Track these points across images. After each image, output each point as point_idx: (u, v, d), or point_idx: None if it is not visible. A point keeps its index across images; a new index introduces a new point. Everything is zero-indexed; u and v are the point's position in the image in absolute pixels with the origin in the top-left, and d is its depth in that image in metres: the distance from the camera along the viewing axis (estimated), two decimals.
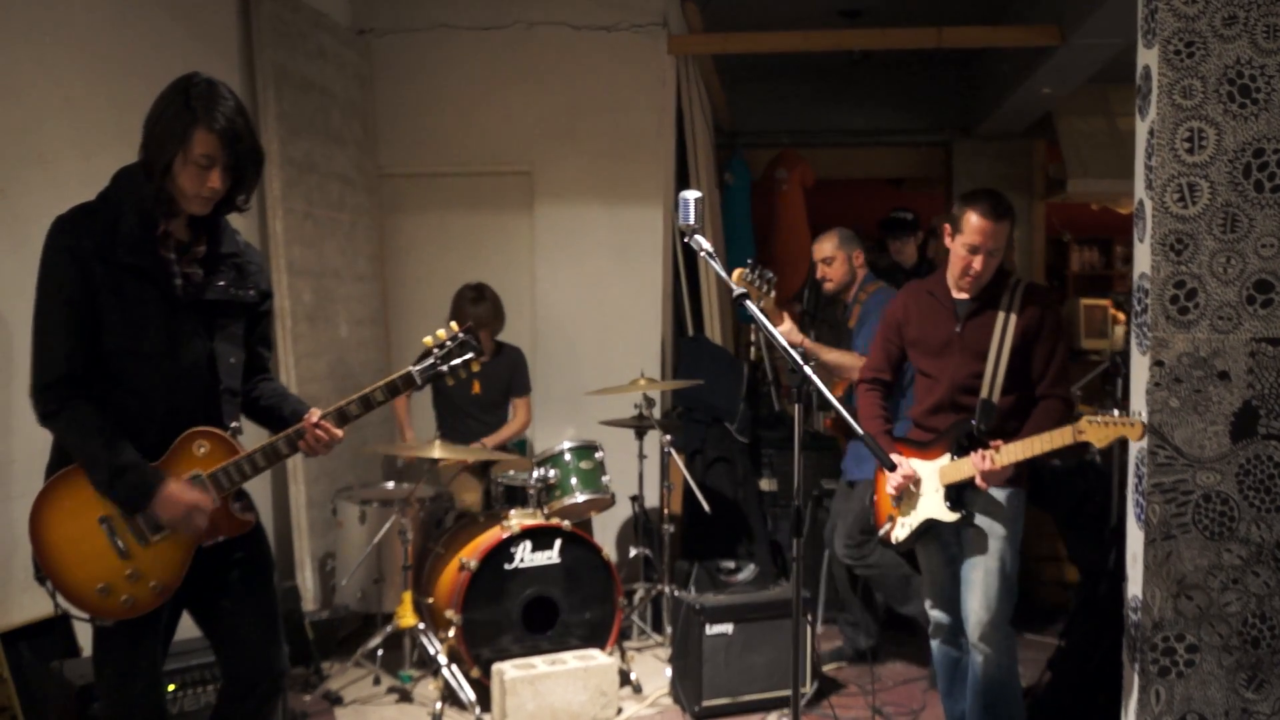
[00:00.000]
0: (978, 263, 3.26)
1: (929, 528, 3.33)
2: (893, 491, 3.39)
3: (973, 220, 3.25)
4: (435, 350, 2.68)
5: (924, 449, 3.36)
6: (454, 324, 2.72)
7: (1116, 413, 2.93)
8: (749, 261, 3.95)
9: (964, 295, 3.36)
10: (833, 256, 4.67)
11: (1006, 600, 3.25)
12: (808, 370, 2.60)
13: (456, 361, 2.68)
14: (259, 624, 2.63)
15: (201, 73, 2.46)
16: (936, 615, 3.50)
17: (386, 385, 2.62)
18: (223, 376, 2.55)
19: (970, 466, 3.21)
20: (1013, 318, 3.28)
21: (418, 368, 2.66)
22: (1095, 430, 2.94)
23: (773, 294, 4.03)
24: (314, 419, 2.57)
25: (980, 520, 3.26)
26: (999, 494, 3.26)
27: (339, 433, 2.60)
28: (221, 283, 2.54)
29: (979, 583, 3.25)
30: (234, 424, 2.58)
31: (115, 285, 2.40)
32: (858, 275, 4.69)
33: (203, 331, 2.51)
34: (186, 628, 2.69)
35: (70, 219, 2.42)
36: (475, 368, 2.72)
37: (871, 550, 4.38)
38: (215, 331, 2.54)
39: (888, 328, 3.55)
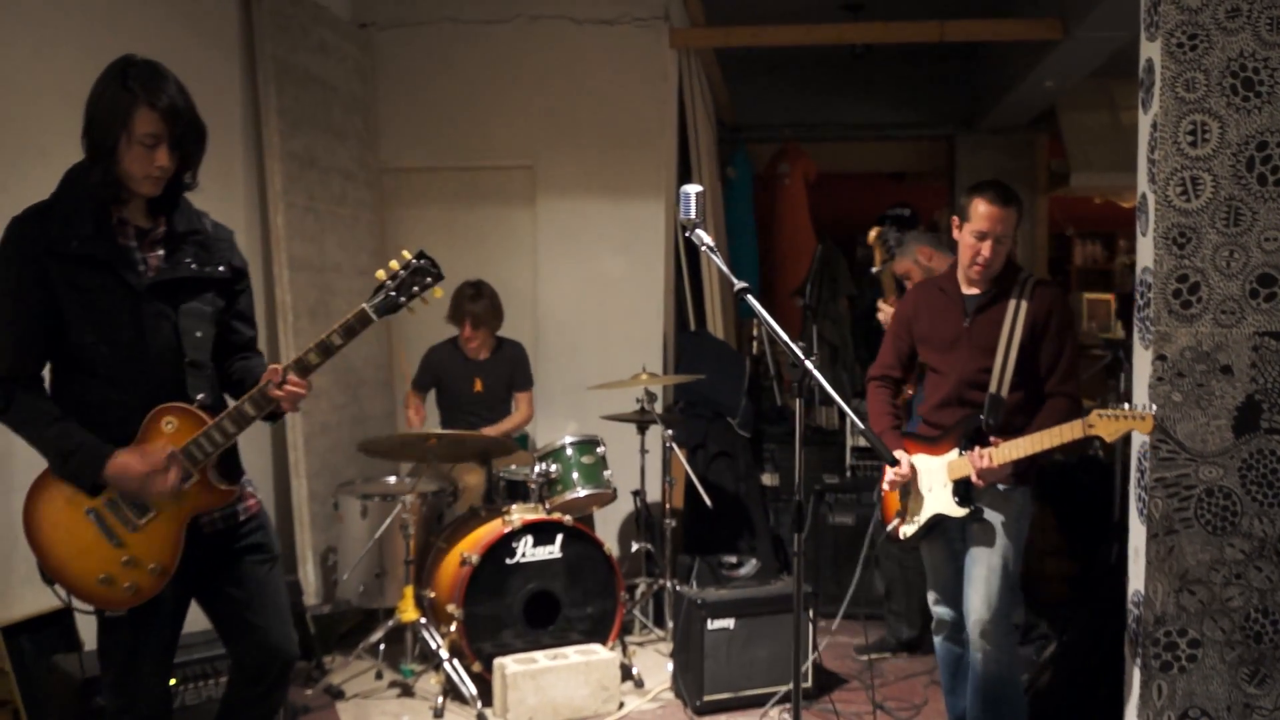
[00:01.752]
0: (986, 248, 3.25)
1: (937, 523, 3.32)
2: (887, 487, 3.39)
3: (980, 207, 3.25)
4: (389, 282, 2.57)
5: (932, 444, 3.35)
6: (405, 252, 2.60)
7: (1127, 406, 2.91)
8: (887, 223, 4.16)
9: (974, 290, 3.35)
10: (908, 272, 4.64)
11: (1007, 598, 3.24)
12: (809, 365, 2.60)
13: (414, 289, 2.57)
14: (266, 610, 2.64)
15: (137, 55, 2.45)
16: (940, 611, 3.49)
17: (342, 327, 2.51)
18: (187, 350, 2.53)
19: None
20: (1021, 313, 3.26)
21: (371, 302, 2.55)
22: (1105, 424, 2.92)
23: (893, 261, 4.23)
24: (277, 375, 2.48)
25: (986, 516, 3.25)
26: (1007, 489, 3.25)
27: (304, 383, 2.50)
28: (186, 260, 2.54)
29: (980, 579, 3.24)
30: (200, 395, 2.53)
31: (72, 279, 2.39)
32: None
33: (169, 312, 2.51)
34: (190, 622, 2.69)
35: (23, 219, 2.42)
36: (438, 293, 2.61)
37: None
38: (180, 310, 2.52)
39: (899, 324, 3.55)
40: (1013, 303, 3.28)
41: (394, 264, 2.58)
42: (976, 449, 3.17)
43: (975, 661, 3.27)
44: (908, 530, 3.40)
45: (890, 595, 4.84)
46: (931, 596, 3.51)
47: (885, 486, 3.40)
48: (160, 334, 2.49)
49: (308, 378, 2.52)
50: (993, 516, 3.25)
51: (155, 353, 2.48)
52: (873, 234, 4.69)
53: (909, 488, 3.38)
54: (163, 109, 2.37)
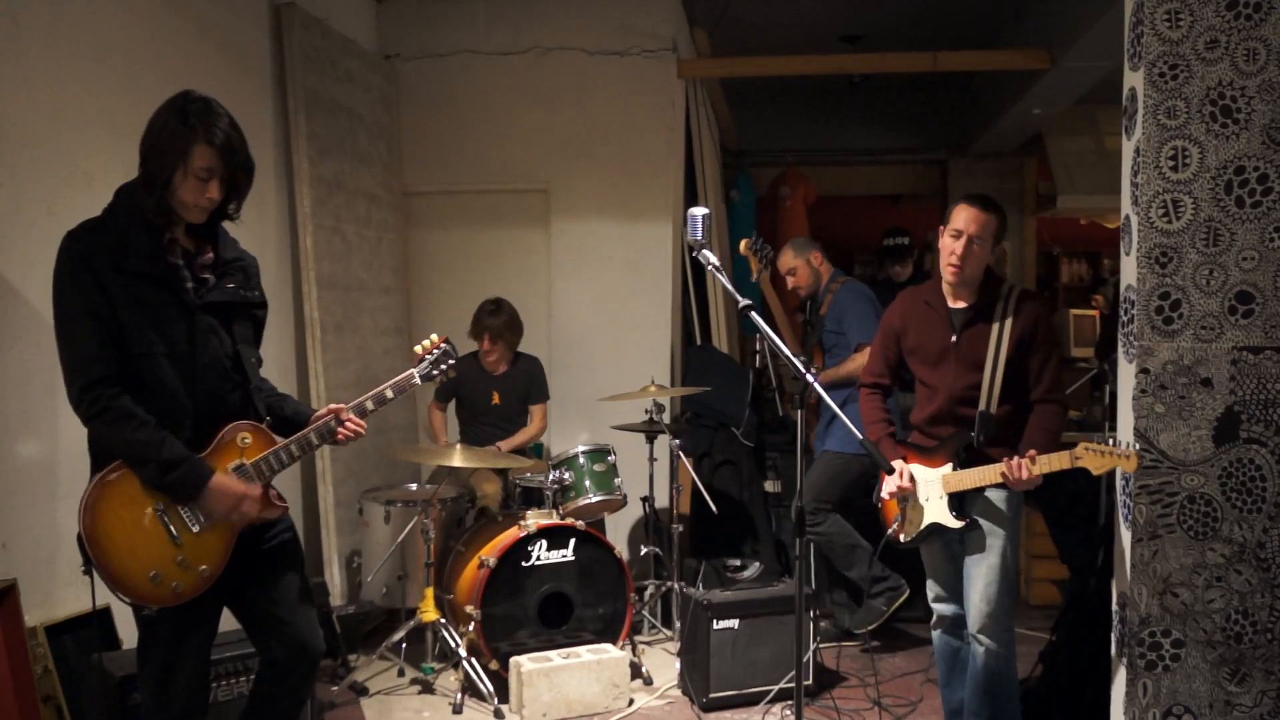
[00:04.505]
0: (960, 246, 3.21)
1: (933, 530, 3.32)
2: (887, 496, 3.38)
3: (961, 211, 3.25)
4: (427, 357, 2.95)
5: (928, 455, 3.34)
6: (434, 337, 2.99)
7: (1112, 442, 2.92)
8: (754, 234, 4.30)
9: (960, 304, 3.33)
10: (794, 266, 4.86)
11: (1006, 595, 3.23)
12: (810, 378, 2.61)
13: (443, 367, 2.97)
14: (295, 608, 2.65)
15: (196, 90, 2.48)
16: (940, 608, 3.48)
17: (395, 385, 2.84)
18: (251, 376, 2.61)
19: (972, 478, 3.19)
20: (1007, 328, 3.24)
21: (419, 370, 2.92)
22: (1092, 457, 2.92)
23: (769, 269, 4.43)
24: (344, 414, 2.71)
25: (982, 521, 3.25)
26: (998, 496, 3.25)
27: (362, 425, 2.76)
28: (231, 285, 2.58)
29: (980, 579, 3.24)
30: (268, 419, 2.66)
31: (132, 293, 2.41)
32: (822, 275, 4.86)
33: (219, 330, 2.55)
34: (222, 621, 2.70)
35: (80, 234, 2.44)
36: (451, 374, 3.02)
37: (824, 519, 4.63)
38: (234, 332, 2.58)
39: (886, 335, 3.52)
40: (998, 318, 3.26)
41: (427, 344, 2.97)
42: (1016, 459, 3.11)
43: (976, 656, 3.27)
44: (907, 534, 3.40)
45: (833, 588, 4.94)
46: (931, 593, 3.49)
47: (885, 496, 3.39)
48: (209, 347, 2.52)
49: (364, 420, 2.77)
50: (988, 522, 3.24)
51: (205, 365, 2.51)
52: (743, 245, 4.75)
53: (908, 495, 3.38)
54: (220, 145, 2.41)
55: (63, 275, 2.41)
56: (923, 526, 3.33)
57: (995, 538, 3.24)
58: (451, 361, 2.98)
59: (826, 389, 4.68)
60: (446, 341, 2.99)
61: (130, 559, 2.44)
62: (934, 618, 3.53)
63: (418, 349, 2.96)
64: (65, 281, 2.41)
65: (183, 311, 2.48)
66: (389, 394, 2.81)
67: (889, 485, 3.34)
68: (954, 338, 3.30)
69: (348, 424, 2.70)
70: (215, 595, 2.58)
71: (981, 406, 3.24)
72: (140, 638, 2.55)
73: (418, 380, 2.90)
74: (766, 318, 4.94)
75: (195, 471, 2.45)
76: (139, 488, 2.45)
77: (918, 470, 3.33)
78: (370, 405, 2.78)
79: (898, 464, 3.33)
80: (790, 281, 4.91)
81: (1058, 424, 3.22)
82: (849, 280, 4.87)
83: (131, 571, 2.44)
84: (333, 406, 2.71)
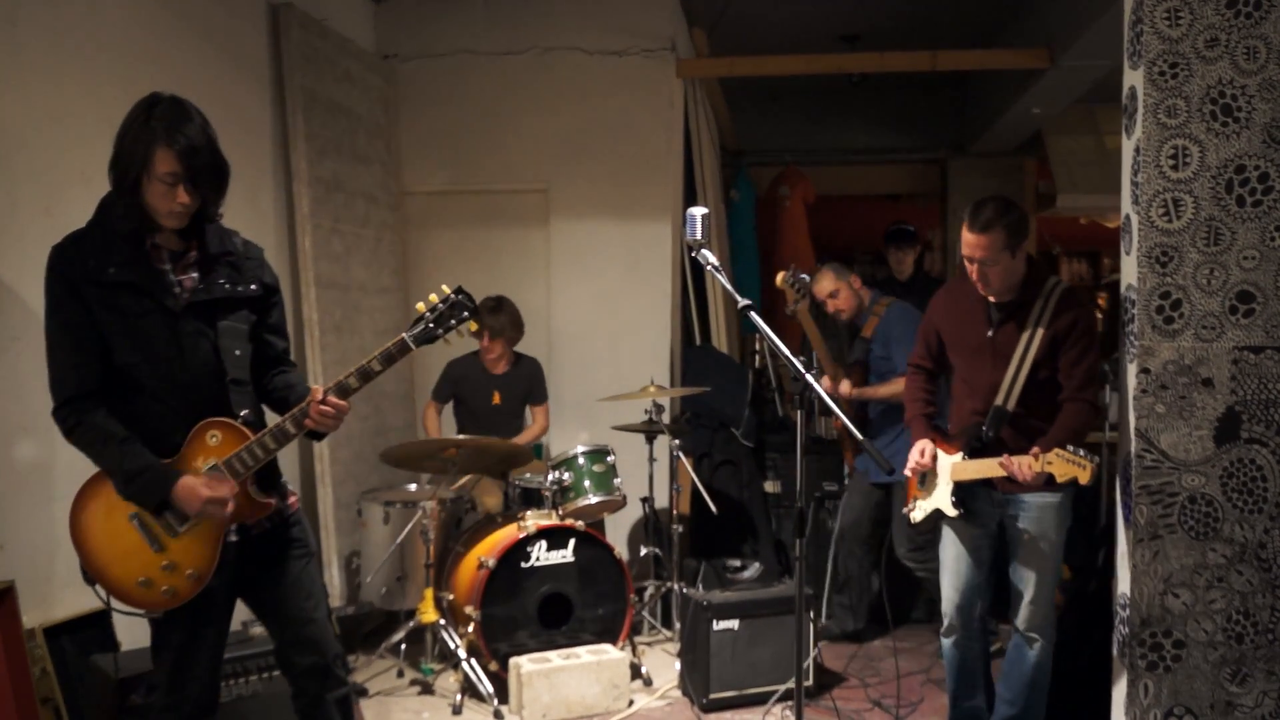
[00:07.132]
0: (974, 272, 3.22)
1: (940, 515, 3.35)
2: (908, 474, 3.41)
3: (964, 233, 3.22)
4: (428, 314, 2.57)
5: (949, 442, 3.38)
6: (445, 287, 2.60)
7: (1082, 453, 2.98)
8: (791, 267, 4.24)
9: (1000, 297, 3.29)
10: (836, 289, 4.76)
11: (1052, 593, 3.31)
12: (809, 378, 2.60)
13: (452, 322, 2.57)
14: (305, 604, 2.63)
15: (164, 92, 2.43)
16: (954, 615, 3.45)
17: (382, 354, 2.52)
18: (228, 368, 2.52)
19: (974, 469, 3.21)
20: (1042, 325, 3.19)
21: (411, 333, 2.55)
22: (1059, 464, 2.99)
23: (806, 299, 4.26)
24: (318, 395, 2.49)
25: (1030, 526, 3.26)
26: (1052, 499, 3.22)
27: (344, 404, 2.51)
28: (220, 281, 2.53)
29: (1032, 580, 3.28)
30: (244, 412, 2.53)
31: (112, 304, 2.39)
32: (864, 297, 4.78)
33: (207, 330, 2.50)
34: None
35: (62, 247, 2.43)
36: (473, 327, 2.62)
37: (932, 556, 4.39)
38: (218, 329, 2.52)
39: (929, 323, 3.54)
40: (1035, 314, 3.21)
41: (433, 297, 2.58)
42: (1018, 457, 3.10)
43: (1026, 653, 3.33)
44: (916, 515, 3.43)
45: (844, 589, 4.90)
46: (948, 598, 3.45)
47: (907, 473, 3.42)
48: (199, 351, 2.48)
49: (347, 400, 2.53)
50: (1038, 526, 3.25)
51: (195, 368, 2.48)
52: (779, 278, 4.57)
53: (926, 477, 3.39)
54: (180, 149, 2.33)
55: (47, 290, 2.42)
56: (929, 511, 3.38)
57: (1045, 542, 3.26)
58: (465, 314, 2.57)
59: (860, 405, 4.64)
60: (459, 291, 2.58)
61: (117, 567, 2.45)
62: (945, 624, 3.49)
63: (420, 305, 2.59)
64: (49, 296, 2.42)
65: (166, 318, 2.44)
66: (376, 366, 2.51)
67: (910, 464, 3.38)
68: (990, 332, 3.29)
69: (323, 405, 2.47)
70: (226, 594, 2.57)
71: (998, 402, 3.23)
72: (152, 639, 2.55)
73: (410, 345, 2.53)
74: (807, 351, 4.92)
75: (157, 479, 2.41)
76: (116, 498, 2.44)
77: (940, 455, 3.37)
78: (354, 383, 2.52)
79: (924, 443, 3.36)
80: (831, 305, 4.80)
81: (1083, 422, 3.18)
82: (896, 302, 4.72)
83: (120, 579, 2.45)
84: (314, 389, 2.51)
